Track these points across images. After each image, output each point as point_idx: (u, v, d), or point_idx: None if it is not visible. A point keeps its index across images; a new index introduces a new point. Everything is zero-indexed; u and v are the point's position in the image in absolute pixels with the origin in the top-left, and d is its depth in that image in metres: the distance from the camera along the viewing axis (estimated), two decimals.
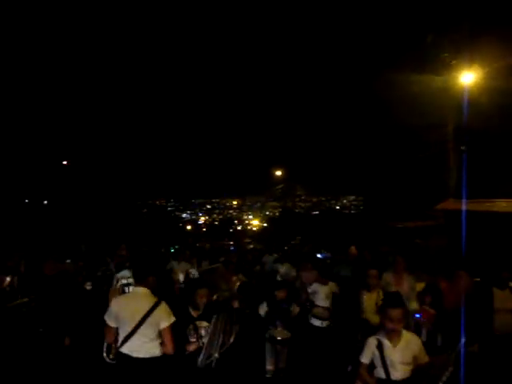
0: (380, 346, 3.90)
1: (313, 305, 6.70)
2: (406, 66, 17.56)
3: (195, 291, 4.82)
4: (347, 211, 75.21)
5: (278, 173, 41.50)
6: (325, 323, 6.65)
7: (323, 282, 6.85)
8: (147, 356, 3.98)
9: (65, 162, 32.01)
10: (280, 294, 6.10)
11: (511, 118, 12.96)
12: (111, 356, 4.33)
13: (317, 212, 68.67)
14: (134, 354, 3.97)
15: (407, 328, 4.32)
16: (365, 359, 3.99)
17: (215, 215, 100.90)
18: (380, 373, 3.89)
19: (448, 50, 14.45)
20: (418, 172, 20.88)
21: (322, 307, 6.68)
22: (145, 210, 63.49)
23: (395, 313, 3.84)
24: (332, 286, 6.90)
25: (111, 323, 4.09)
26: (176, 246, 19.18)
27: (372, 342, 3.97)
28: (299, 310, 6.34)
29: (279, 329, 5.87)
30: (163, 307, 4.11)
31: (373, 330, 5.59)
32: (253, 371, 6.03)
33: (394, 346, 3.88)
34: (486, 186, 15.27)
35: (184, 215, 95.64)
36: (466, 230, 11.60)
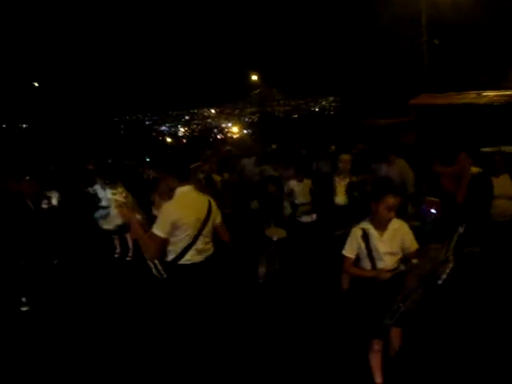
0: (365, 236, 3.60)
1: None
2: None
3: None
4: (326, 113, 74.86)
5: (254, 77, 40.66)
6: (314, 216, 6.66)
7: (299, 178, 6.76)
8: (208, 255, 3.72)
9: (36, 84, 31.02)
10: (271, 188, 5.97)
11: (480, 10, 12.93)
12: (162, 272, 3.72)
13: (296, 115, 68.26)
14: (197, 259, 3.63)
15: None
16: (349, 253, 3.66)
17: (194, 126, 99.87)
18: (365, 265, 3.63)
19: None
20: (392, 68, 20.89)
21: (306, 203, 6.66)
22: (122, 126, 62.61)
23: (394, 201, 3.50)
24: (308, 183, 6.79)
25: (165, 235, 3.47)
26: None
27: (357, 233, 3.66)
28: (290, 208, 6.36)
29: (273, 227, 5.67)
30: (213, 202, 3.86)
31: (341, 210, 6.05)
32: (244, 275, 5.95)
33: (381, 235, 3.59)
34: (458, 79, 15.53)
35: (163, 128, 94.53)
36: (438, 123, 12.05)
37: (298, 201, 6.69)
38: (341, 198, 6.28)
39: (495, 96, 12.15)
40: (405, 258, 3.55)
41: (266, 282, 5.83)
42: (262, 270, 5.88)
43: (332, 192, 6.34)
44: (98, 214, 7.99)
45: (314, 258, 6.10)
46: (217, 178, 7.89)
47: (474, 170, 6.80)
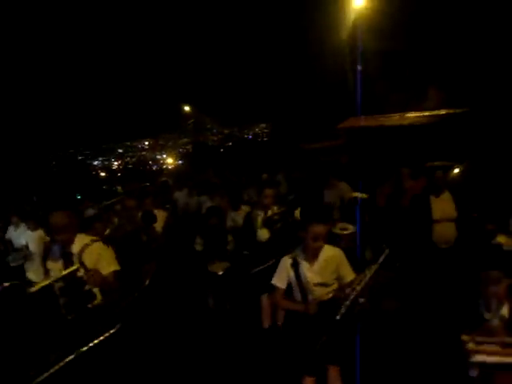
0: (295, 266, 3.41)
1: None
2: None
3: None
4: (260, 139, 75.94)
5: (187, 108, 40.84)
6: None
7: (235, 207, 6.63)
8: None
9: None
10: (214, 221, 5.85)
11: (399, 37, 13.71)
12: None
13: (230, 143, 68.79)
14: None
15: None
16: (279, 283, 3.48)
17: (128, 158, 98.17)
18: (297, 295, 3.45)
19: None
20: (320, 93, 21.60)
21: None
22: (54, 163, 60.51)
23: (320, 229, 3.29)
24: (245, 210, 6.47)
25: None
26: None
27: (286, 262, 3.47)
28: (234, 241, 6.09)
29: (217, 262, 5.61)
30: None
31: (262, 245, 5.51)
32: (196, 309, 5.88)
33: (312, 264, 3.40)
34: (382, 102, 16.26)
35: (96, 162, 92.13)
36: (365, 145, 12.51)
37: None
38: (262, 233, 5.64)
39: (417, 117, 12.79)
40: (341, 289, 3.36)
41: (216, 314, 5.75)
42: (210, 301, 5.88)
43: (252, 227, 5.76)
44: (10, 258, 7.05)
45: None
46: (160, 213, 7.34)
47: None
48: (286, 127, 28.48)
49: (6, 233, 7.51)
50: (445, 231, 5.29)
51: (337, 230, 5.67)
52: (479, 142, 8.92)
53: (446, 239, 5.31)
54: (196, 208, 8.65)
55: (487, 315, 3.02)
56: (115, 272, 3.54)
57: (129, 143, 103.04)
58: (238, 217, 6.45)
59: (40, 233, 6.90)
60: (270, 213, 5.58)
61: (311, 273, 3.40)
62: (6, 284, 3.77)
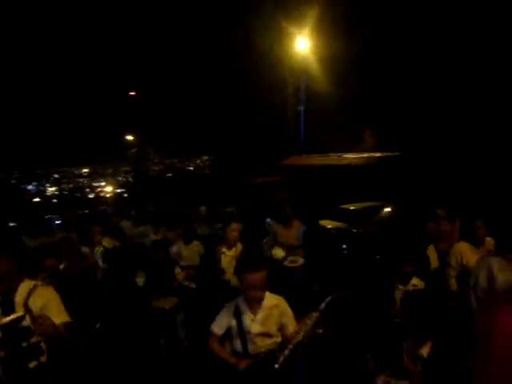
0: (237, 314, 3.22)
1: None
2: (250, 32, 18.63)
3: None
4: (200, 171, 76.10)
5: (130, 137, 40.59)
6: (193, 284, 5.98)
7: (187, 240, 6.43)
8: None
9: None
10: (160, 254, 5.60)
11: (338, 81, 14.60)
12: None
13: (170, 174, 68.46)
14: None
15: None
16: (217, 328, 3.27)
17: (64, 185, 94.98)
18: (237, 345, 3.25)
19: (286, 19, 15.64)
20: (263, 130, 22.31)
21: (194, 266, 6.10)
22: None
23: (256, 278, 3.11)
24: (197, 245, 6.45)
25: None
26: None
27: (229, 308, 3.29)
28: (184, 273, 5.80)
29: (162, 298, 5.30)
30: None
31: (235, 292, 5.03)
32: (146, 349, 5.36)
33: (255, 313, 3.21)
34: (323, 141, 17.11)
35: (30, 187, 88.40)
36: (304, 182, 13.11)
37: (185, 264, 6.10)
38: (229, 274, 5.26)
39: (354, 158, 13.58)
40: (285, 341, 3.16)
41: (170, 352, 5.36)
42: (161, 341, 5.41)
43: (216, 265, 5.41)
44: None
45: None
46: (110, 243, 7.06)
47: None
48: (229, 161, 28.96)
49: None
50: None
51: (286, 263, 5.89)
52: (408, 184, 9.64)
53: None
54: (139, 239, 8.32)
55: (405, 355, 3.04)
56: (68, 323, 3.06)
57: (66, 169, 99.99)
58: (188, 251, 6.30)
59: None
60: (234, 251, 5.34)
61: (253, 322, 3.20)
62: None
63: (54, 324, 2.89)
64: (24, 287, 3.05)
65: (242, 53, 20.33)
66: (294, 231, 6.45)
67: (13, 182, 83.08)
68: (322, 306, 3.08)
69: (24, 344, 2.89)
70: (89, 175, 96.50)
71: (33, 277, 3.48)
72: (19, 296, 3.00)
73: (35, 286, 3.09)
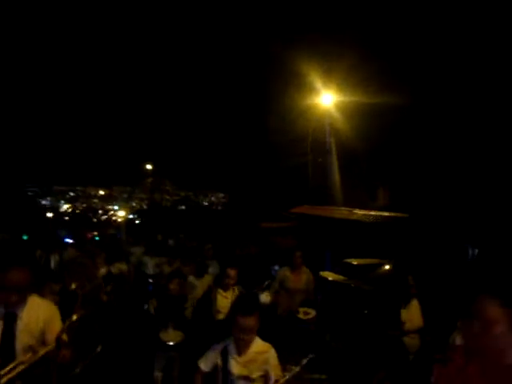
0: (225, 354, 3.28)
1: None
2: (275, 89, 19.57)
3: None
4: (214, 207, 76.55)
5: (149, 166, 41.55)
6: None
7: (199, 274, 6.74)
8: None
9: None
10: (173, 287, 5.53)
11: (360, 135, 15.08)
12: None
13: (183, 207, 68.98)
14: None
15: None
16: (203, 365, 3.34)
17: (78, 204, 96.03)
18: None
19: (311, 75, 16.34)
20: (281, 178, 22.83)
21: None
22: None
23: (247, 322, 3.18)
24: (208, 279, 6.60)
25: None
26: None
27: (217, 347, 3.36)
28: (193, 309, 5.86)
29: (170, 330, 5.18)
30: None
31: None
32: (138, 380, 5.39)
33: (240, 356, 3.27)
34: (335, 195, 17.49)
35: (44, 202, 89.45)
36: (312, 231, 13.40)
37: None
38: (223, 315, 5.36)
39: (363, 215, 13.85)
40: None
41: None
42: (156, 374, 5.27)
43: (210, 301, 5.56)
44: None
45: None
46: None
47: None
48: (243, 202, 29.42)
49: None
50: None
51: (301, 316, 6.14)
52: (411, 246, 9.86)
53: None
54: (155, 269, 8.85)
55: None
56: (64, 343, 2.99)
57: (82, 188, 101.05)
58: (199, 284, 6.49)
59: None
60: (231, 293, 5.48)
61: (237, 364, 3.25)
62: None
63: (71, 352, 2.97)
64: (30, 302, 3.07)
65: (269, 102, 21.19)
66: (304, 277, 6.74)
67: (29, 193, 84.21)
68: (304, 361, 3.14)
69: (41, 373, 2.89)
70: (104, 198, 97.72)
71: (40, 292, 3.63)
72: (25, 311, 3.01)
73: (41, 302, 3.16)
